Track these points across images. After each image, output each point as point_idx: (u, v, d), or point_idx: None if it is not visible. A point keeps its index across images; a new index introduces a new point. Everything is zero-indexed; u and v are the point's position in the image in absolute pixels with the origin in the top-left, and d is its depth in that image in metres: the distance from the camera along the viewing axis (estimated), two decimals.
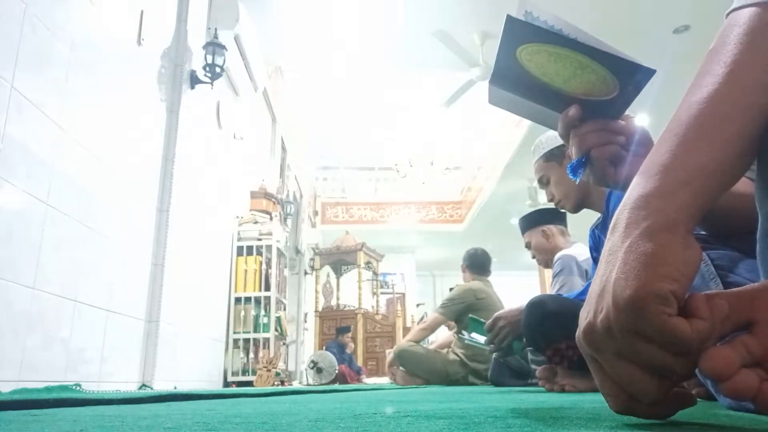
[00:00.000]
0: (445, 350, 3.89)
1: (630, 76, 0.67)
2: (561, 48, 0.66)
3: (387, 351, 4.84)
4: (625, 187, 0.75)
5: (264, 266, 4.40)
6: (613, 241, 0.45)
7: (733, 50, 0.46)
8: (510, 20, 0.66)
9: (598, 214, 1.81)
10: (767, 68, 0.45)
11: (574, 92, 0.72)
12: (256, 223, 4.52)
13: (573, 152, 0.76)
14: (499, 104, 0.82)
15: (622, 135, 0.75)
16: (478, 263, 3.95)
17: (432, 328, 4.04)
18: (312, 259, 7.19)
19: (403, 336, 5.41)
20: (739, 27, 0.47)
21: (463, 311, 3.75)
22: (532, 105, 0.76)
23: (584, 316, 0.44)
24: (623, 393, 0.43)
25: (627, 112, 0.76)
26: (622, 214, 0.45)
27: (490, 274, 4.00)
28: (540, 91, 0.74)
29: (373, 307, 7.11)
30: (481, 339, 2.27)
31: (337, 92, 7.33)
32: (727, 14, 0.51)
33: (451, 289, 4.01)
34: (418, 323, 5.66)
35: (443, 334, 4.63)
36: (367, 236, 7.91)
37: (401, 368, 3.93)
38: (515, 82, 0.74)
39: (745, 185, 0.56)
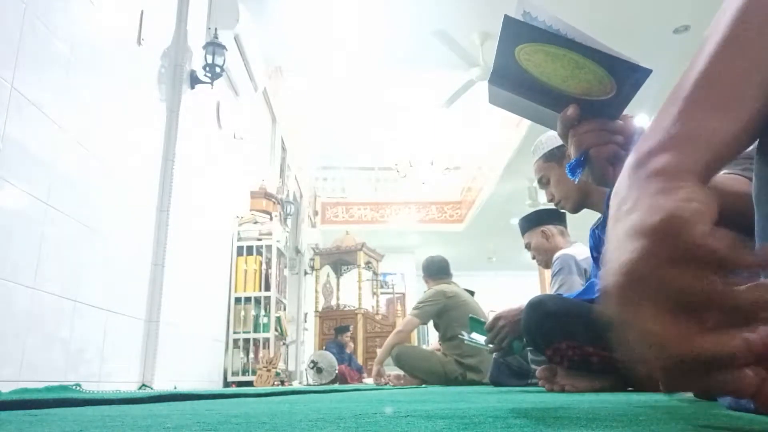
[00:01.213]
0: (438, 352, 3.91)
1: (627, 76, 0.67)
2: (558, 48, 0.66)
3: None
4: None
5: (264, 266, 4.40)
6: (618, 205, 0.42)
7: (723, 30, 0.45)
8: (507, 20, 0.66)
9: (598, 215, 1.81)
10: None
11: (572, 92, 0.72)
12: (256, 223, 4.52)
13: (571, 152, 0.76)
14: (499, 104, 0.82)
15: (621, 134, 0.75)
16: (436, 269, 4.04)
17: (407, 330, 4.05)
18: (312, 259, 7.19)
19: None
20: None
21: (437, 313, 3.79)
22: (531, 105, 0.77)
23: (604, 284, 0.39)
24: (644, 351, 0.36)
25: (626, 112, 0.76)
26: (622, 180, 0.43)
27: (451, 276, 4.07)
28: (539, 91, 0.74)
29: (373, 307, 7.11)
30: (481, 339, 2.27)
31: (337, 92, 7.33)
32: None
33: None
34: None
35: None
36: (367, 236, 7.91)
37: (394, 372, 3.94)
38: (514, 82, 0.75)
39: (744, 185, 0.56)
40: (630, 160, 0.43)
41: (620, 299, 0.37)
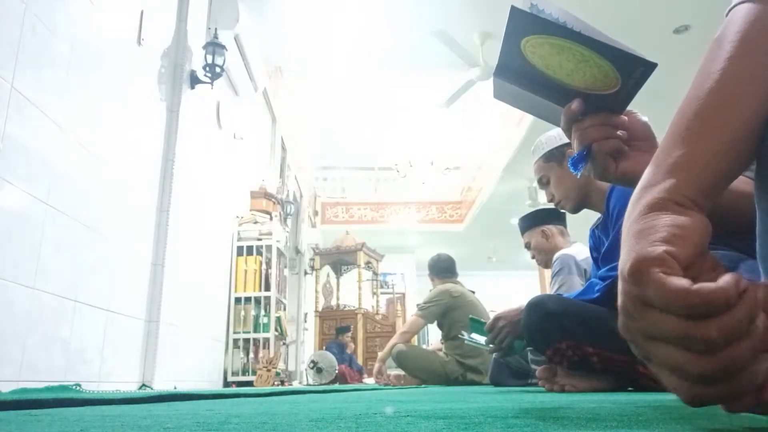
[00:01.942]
0: (439, 352, 3.91)
1: (632, 70, 0.67)
2: (564, 40, 0.66)
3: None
4: (625, 182, 0.75)
5: (264, 266, 4.40)
6: (622, 237, 0.46)
7: (727, 47, 0.48)
8: (514, 11, 0.66)
9: (598, 215, 1.81)
10: (759, 62, 0.47)
11: (576, 86, 0.72)
12: (256, 223, 4.52)
13: (574, 146, 0.76)
14: (504, 98, 0.82)
15: (624, 129, 0.75)
16: (443, 268, 4.01)
17: (413, 331, 4.03)
18: (312, 259, 7.19)
19: None
20: (733, 24, 0.49)
21: (442, 312, 3.78)
22: (535, 99, 0.76)
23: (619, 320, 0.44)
24: (676, 378, 0.39)
25: (630, 109, 0.76)
26: (627, 211, 0.47)
27: (457, 275, 4.05)
28: (543, 85, 0.74)
29: (373, 307, 7.10)
30: (482, 339, 2.27)
31: (337, 92, 7.32)
32: (727, 13, 0.52)
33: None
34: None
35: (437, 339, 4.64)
36: (367, 236, 7.90)
37: (394, 372, 3.94)
38: (519, 75, 0.74)
39: (746, 184, 0.56)
40: (635, 192, 0.47)
41: (625, 333, 0.42)
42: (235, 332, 4.18)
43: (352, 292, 6.73)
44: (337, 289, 7.60)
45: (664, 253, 0.39)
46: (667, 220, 0.42)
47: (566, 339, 1.60)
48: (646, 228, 0.42)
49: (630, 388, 1.64)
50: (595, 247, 1.84)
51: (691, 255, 0.40)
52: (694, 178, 0.45)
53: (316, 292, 6.97)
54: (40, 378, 1.94)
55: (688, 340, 0.37)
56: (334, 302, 7.49)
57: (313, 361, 4.84)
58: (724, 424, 0.48)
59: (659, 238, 0.40)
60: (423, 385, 3.62)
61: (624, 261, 0.41)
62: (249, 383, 3.97)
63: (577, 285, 2.24)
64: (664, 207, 0.43)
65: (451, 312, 3.74)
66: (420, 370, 3.78)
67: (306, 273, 7.81)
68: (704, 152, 0.46)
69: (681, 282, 0.37)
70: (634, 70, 0.67)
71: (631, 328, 0.41)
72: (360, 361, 6.00)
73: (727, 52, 0.48)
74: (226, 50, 3.54)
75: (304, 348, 7.38)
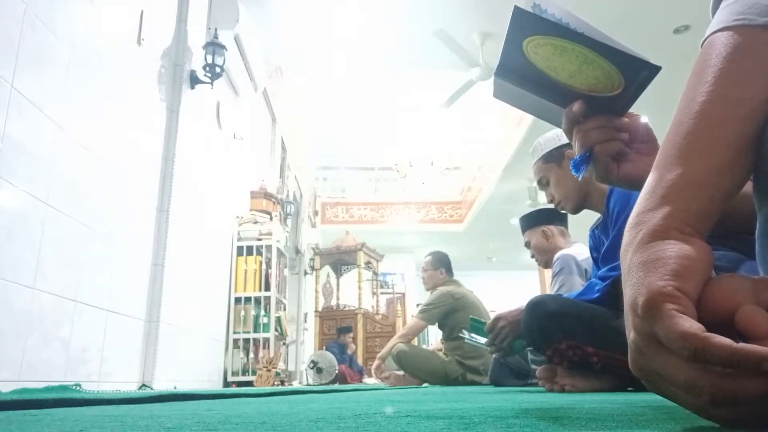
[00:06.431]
0: (440, 352, 3.91)
1: (635, 73, 0.66)
2: (567, 41, 0.66)
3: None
4: (627, 184, 0.75)
5: (264, 266, 4.40)
6: (622, 265, 0.46)
7: (710, 71, 0.49)
8: (517, 11, 0.65)
9: (598, 215, 1.81)
10: (742, 84, 0.47)
11: (578, 87, 0.71)
12: (256, 223, 4.52)
13: (576, 148, 0.76)
14: (504, 98, 0.81)
15: (626, 132, 0.75)
16: (444, 264, 4.01)
17: (413, 334, 4.03)
18: (312, 259, 7.19)
19: None
20: (712, 50, 0.50)
21: (444, 314, 3.77)
22: (536, 100, 0.76)
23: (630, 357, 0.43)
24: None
25: (632, 111, 0.76)
26: (624, 238, 0.46)
27: (453, 274, 4.06)
28: (545, 86, 0.73)
29: (373, 307, 7.11)
30: (482, 339, 2.27)
31: (337, 92, 7.32)
32: (702, 43, 0.52)
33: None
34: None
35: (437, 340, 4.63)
36: (367, 236, 7.90)
37: (394, 371, 3.94)
38: (521, 76, 0.74)
39: (747, 185, 0.56)
40: (631, 217, 0.47)
41: (636, 369, 0.42)
42: (235, 332, 4.18)
43: (352, 292, 6.74)
44: (337, 289, 7.60)
45: (674, 290, 0.38)
46: (673, 252, 0.41)
47: (566, 339, 1.59)
48: (653, 260, 0.41)
49: (630, 388, 1.64)
50: (595, 247, 1.84)
51: (700, 288, 0.40)
52: (691, 201, 0.45)
53: (316, 292, 6.98)
54: (40, 378, 1.94)
55: (692, 389, 0.36)
56: (334, 302, 7.49)
57: (313, 361, 4.84)
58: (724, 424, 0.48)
59: (669, 271, 0.40)
60: (423, 385, 3.62)
61: (635, 295, 0.40)
62: (249, 383, 3.97)
63: (577, 285, 2.24)
64: (665, 235, 0.43)
65: (452, 314, 3.74)
66: (420, 370, 3.78)
67: (306, 273, 7.81)
68: (698, 173, 0.46)
69: (692, 325, 0.36)
70: (638, 73, 0.66)
71: (643, 365, 0.40)
72: (360, 361, 6.00)
73: (710, 75, 0.48)
74: (226, 50, 3.54)
75: (304, 348, 7.38)
